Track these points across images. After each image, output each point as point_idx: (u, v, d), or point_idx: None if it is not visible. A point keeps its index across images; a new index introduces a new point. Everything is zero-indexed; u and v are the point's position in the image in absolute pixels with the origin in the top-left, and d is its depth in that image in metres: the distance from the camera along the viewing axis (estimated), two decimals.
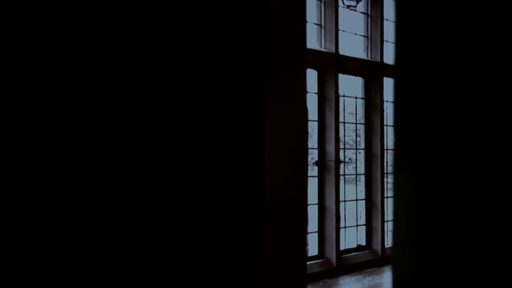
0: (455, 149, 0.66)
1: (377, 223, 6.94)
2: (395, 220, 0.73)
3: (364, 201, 7.04)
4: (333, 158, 6.41)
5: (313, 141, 6.48)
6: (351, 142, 7.23)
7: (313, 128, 6.46)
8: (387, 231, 7.13)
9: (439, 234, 0.67)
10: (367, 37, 7.08)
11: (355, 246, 6.86)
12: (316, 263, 6.20)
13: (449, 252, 0.66)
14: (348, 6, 6.65)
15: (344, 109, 6.77)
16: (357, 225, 6.97)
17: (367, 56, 7.06)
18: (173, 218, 0.58)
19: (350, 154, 7.04)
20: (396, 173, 0.72)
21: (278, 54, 2.76)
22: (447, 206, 0.66)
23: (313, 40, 6.39)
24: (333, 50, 6.43)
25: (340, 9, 6.55)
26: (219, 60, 0.59)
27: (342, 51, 6.55)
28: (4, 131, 0.53)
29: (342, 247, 6.54)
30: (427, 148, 0.67)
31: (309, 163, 6.31)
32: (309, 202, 5.57)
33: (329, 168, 6.43)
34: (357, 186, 7.10)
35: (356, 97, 7.05)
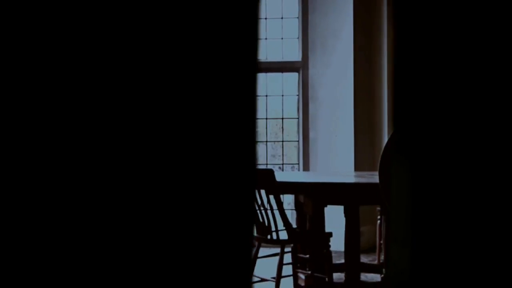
0: (458, 144, 0.64)
1: None
2: (394, 217, 0.70)
3: None
4: None
5: None
6: None
7: None
8: None
9: (440, 232, 0.65)
10: None
11: None
12: None
13: (450, 251, 0.64)
14: None
15: None
16: None
17: None
18: (174, 218, 0.54)
19: None
20: (395, 167, 0.70)
21: None
22: (449, 202, 0.64)
23: None
24: None
25: None
26: (209, 59, 0.53)
27: None
28: (4, 131, 0.51)
29: None
30: (428, 142, 0.65)
31: None
32: None
33: None
34: None
35: None
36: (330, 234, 4.14)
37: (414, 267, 0.67)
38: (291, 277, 4.48)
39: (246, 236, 0.70)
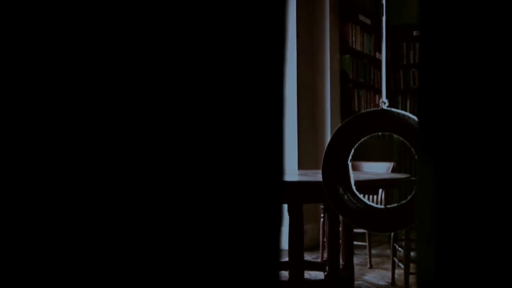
0: (484, 142, 0.64)
1: None
2: (420, 215, 0.71)
3: None
4: None
5: None
6: None
7: None
8: None
9: (466, 230, 0.65)
10: None
11: None
12: None
13: (476, 249, 0.65)
14: None
15: None
16: None
17: None
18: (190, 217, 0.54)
19: None
20: (420, 166, 0.70)
21: None
22: (474, 201, 0.64)
23: None
24: None
25: None
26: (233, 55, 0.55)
27: None
28: (4, 131, 0.57)
29: None
30: (454, 141, 0.66)
31: None
32: None
33: None
34: None
35: None
36: None
37: (439, 265, 0.67)
38: None
39: (274, 247, 0.68)
